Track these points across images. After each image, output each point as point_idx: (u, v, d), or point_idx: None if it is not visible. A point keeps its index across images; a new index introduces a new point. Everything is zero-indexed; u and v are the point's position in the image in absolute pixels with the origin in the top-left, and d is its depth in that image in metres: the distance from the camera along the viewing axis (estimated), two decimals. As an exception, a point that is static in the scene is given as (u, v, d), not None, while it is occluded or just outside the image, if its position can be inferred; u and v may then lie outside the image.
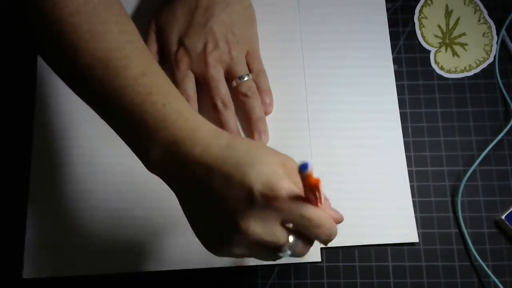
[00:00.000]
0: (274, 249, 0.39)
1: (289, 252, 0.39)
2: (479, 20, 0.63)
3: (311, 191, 0.37)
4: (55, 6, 0.40)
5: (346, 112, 0.59)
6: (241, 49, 0.57)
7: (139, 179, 0.57)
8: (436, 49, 0.62)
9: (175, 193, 0.41)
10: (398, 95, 0.59)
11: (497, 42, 0.61)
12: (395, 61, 0.61)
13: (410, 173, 0.57)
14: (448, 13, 0.63)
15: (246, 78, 0.57)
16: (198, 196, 0.39)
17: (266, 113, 0.58)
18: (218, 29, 0.56)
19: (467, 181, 0.56)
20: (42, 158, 0.58)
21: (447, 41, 0.62)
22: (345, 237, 0.54)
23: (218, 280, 0.54)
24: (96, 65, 0.40)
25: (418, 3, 0.64)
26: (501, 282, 0.52)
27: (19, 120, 0.60)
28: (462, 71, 0.61)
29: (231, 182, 0.37)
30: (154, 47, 0.59)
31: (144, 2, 0.63)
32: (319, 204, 0.39)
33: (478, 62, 0.61)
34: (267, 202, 0.36)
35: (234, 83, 0.57)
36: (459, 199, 0.55)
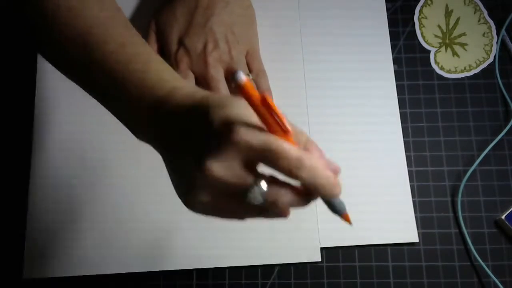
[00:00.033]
0: (244, 195, 0.36)
1: (260, 198, 0.36)
2: (479, 20, 0.63)
3: (272, 120, 0.34)
4: None
5: (346, 112, 0.59)
6: (241, 49, 0.57)
7: (140, 179, 0.57)
8: (436, 49, 0.62)
9: (160, 155, 0.41)
10: (398, 95, 0.59)
11: (497, 42, 0.61)
12: (395, 61, 0.61)
13: (410, 173, 0.57)
14: (448, 13, 0.63)
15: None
16: (177, 149, 0.38)
17: (267, 114, 0.58)
18: (218, 29, 0.56)
19: (467, 181, 0.56)
20: (42, 158, 0.58)
21: (447, 41, 0.62)
22: (345, 237, 0.54)
23: (218, 280, 0.54)
24: (75, 40, 0.42)
25: (418, 3, 0.64)
26: (501, 282, 0.52)
27: (19, 120, 0.60)
28: (462, 71, 0.61)
29: (199, 124, 0.36)
30: (154, 47, 0.59)
31: (144, 2, 0.63)
32: (288, 136, 0.35)
33: (478, 62, 0.61)
34: (226, 137, 0.34)
35: (234, 83, 0.57)
36: (459, 199, 0.55)
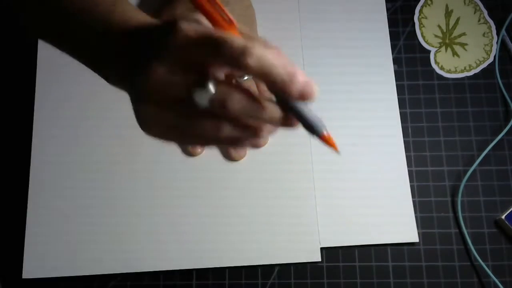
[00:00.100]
0: (191, 99, 0.34)
1: (205, 101, 0.33)
2: (479, 20, 0.63)
3: (216, 15, 0.33)
4: None
5: (346, 112, 0.59)
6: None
7: (140, 179, 0.57)
8: (436, 49, 0.62)
9: (128, 93, 0.39)
10: (398, 95, 0.59)
11: (497, 42, 0.61)
12: (395, 61, 0.61)
13: (410, 173, 0.57)
14: (448, 13, 0.63)
15: (246, 77, 0.57)
16: (134, 67, 0.37)
17: (266, 113, 0.58)
18: (218, 28, 0.56)
19: (467, 181, 0.56)
20: (42, 158, 0.58)
21: (447, 41, 0.62)
22: (345, 237, 0.54)
23: (218, 280, 0.54)
24: None
25: (418, 3, 0.64)
26: (501, 282, 0.52)
27: (19, 120, 0.60)
28: (462, 71, 0.61)
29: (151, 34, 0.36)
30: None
31: (144, 2, 0.63)
32: (234, 29, 0.34)
33: (478, 62, 0.61)
34: (169, 34, 0.33)
35: (234, 82, 0.57)
36: (459, 199, 0.55)
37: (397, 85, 0.60)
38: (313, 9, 0.63)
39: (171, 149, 0.58)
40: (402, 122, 0.58)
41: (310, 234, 0.54)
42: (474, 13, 0.63)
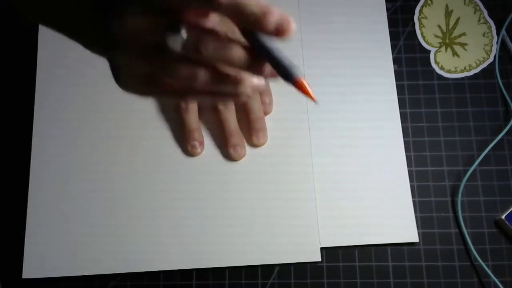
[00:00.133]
0: (163, 45, 0.33)
1: (177, 45, 0.33)
2: (479, 20, 0.63)
3: None
4: None
5: (346, 112, 0.59)
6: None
7: (140, 179, 0.57)
8: (436, 49, 0.62)
9: (103, 48, 0.38)
10: (398, 95, 0.59)
11: (497, 42, 0.61)
12: (395, 61, 0.61)
13: (410, 173, 0.57)
14: (448, 13, 0.63)
15: None
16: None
17: (266, 113, 0.58)
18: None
19: (467, 181, 0.56)
20: (42, 158, 0.58)
21: (447, 41, 0.62)
22: (345, 237, 0.54)
23: (218, 280, 0.54)
24: None
25: (418, 3, 0.64)
26: (501, 282, 0.52)
27: (19, 120, 0.60)
28: (462, 71, 0.61)
29: None
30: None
31: None
32: None
33: (478, 62, 0.61)
34: None
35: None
36: (459, 199, 0.55)
37: (397, 85, 0.60)
38: (313, 9, 0.63)
39: (171, 149, 0.58)
40: (402, 122, 0.58)
41: (310, 234, 0.54)
42: (474, 13, 0.63)
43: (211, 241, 0.55)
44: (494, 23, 0.62)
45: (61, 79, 0.61)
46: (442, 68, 0.61)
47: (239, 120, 0.58)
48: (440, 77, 0.61)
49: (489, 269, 0.52)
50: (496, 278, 0.52)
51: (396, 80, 0.60)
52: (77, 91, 0.60)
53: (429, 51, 0.62)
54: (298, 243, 0.54)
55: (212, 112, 0.57)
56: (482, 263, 0.53)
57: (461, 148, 0.58)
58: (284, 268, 0.54)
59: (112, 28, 0.34)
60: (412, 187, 0.56)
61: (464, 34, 0.62)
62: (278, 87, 0.59)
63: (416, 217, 0.55)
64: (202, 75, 0.34)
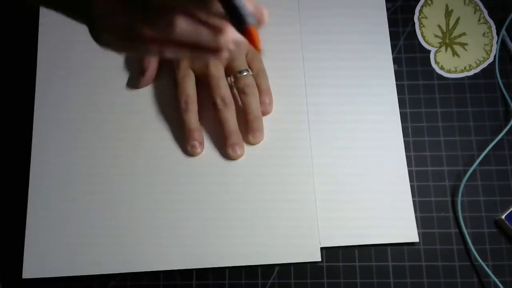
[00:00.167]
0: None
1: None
2: (479, 20, 0.63)
3: None
4: None
5: (346, 112, 0.59)
6: (242, 48, 0.57)
7: (140, 179, 0.57)
8: (436, 49, 0.62)
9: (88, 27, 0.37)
10: (398, 95, 0.59)
11: (497, 42, 0.61)
12: (395, 61, 0.61)
13: (410, 173, 0.57)
14: (448, 13, 0.63)
15: (245, 73, 0.57)
16: None
17: (266, 113, 0.58)
18: (218, 27, 0.56)
19: (467, 181, 0.56)
20: (42, 158, 0.58)
21: (447, 41, 0.62)
22: (345, 237, 0.54)
23: (218, 280, 0.54)
24: None
25: (418, 3, 0.64)
26: (501, 282, 0.52)
27: (19, 120, 0.60)
28: (462, 71, 0.61)
29: None
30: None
31: None
32: None
33: (478, 62, 0.61)
34: None
35: (233, 78, 0.57)
36: (459, 199, 0.55)
37: (397, 85, 0.60)
38: (313, 9, 0.63)
39: (172, 149, 0.58)
40: (402, 122, 0.58)
41: (310, 234, 0.54)
42: (474, 13, 0.63)
43: (211, 241, 0.55)
44: (494, 23, 0.62)
45: (61, 79, 0.61)
46: (442, 68, 0.61)
47: (239, 120, 0.58)
48: (440, 77, 0.61)
49: (489, 269, 0.52)
50: (496, 278, 0.52)
51: (396, 80, 0.60)
52: (77, 91, 0.60)
53: (429, 51, 0.62)
54: (298, 243, 0.54)
55: (212, 111, 0.57)
56: (482, 263, 0.53)
57: (461, 148, 0.58)
58: (284, 268, 0.54)
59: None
60: (412, 187, 0.56)
61: (464, 34, 0.62)
62: (278, 87, 0.59)
63: (416, 217, 0.55)
64: (181, 22, 0.33)
